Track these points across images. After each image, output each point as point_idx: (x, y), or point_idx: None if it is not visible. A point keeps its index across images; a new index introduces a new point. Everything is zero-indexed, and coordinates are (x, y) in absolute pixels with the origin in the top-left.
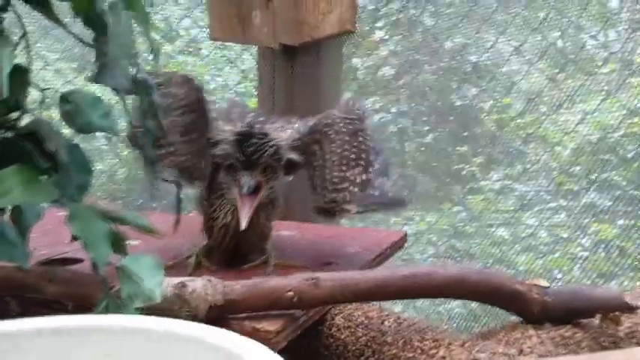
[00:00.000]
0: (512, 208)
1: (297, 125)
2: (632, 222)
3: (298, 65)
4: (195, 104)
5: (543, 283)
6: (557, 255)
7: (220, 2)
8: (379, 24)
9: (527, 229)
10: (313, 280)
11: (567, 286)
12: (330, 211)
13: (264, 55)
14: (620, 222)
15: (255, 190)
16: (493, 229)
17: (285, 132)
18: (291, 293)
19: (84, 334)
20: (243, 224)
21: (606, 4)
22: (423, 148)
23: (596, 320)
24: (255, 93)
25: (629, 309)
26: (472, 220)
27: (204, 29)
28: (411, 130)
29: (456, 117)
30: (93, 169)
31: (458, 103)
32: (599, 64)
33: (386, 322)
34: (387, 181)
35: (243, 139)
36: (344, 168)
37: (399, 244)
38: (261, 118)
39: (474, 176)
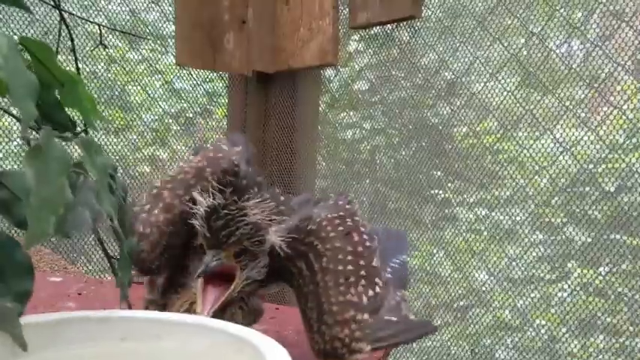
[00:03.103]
0: (486, 239)
1: (287, 219)
2: (613, 261)
3: (272, 95)
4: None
5: None
6: (534, 295)
7: (190, 24)
8: (355, 36)
9: (503, 265)
10: None
11: None
12: (336, 354)
13: (235, 82)
14: (599, 262)
15: (223, 279)
16: (467, 263)
17: (272, 219)
18: None
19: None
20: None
21: (588, 30)
22: (396, 170)
23: None
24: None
25: None
26: (446, 255)
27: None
28: (385, 149)
29: (431, 137)
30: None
31: (433, 121)
32: (578, 90)
33: None
34: (404, 292)
35: (213, 211)
36: (342, 288)
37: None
38: (243, 182)
39: (448, 202)
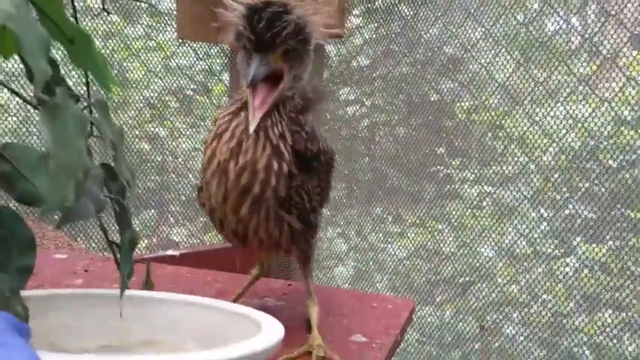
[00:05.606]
0: (490, 215)
1: None
2: (617, 237)
3: None
4: None
5: None
6: (540, 271)
7: None
8: (355, 11)
9: (508, 241)
10: None
11: None
12: None
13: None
14: (604, 237)
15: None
16: (472, 240)
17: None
18: None
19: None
20: (252, 127)
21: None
22: (397, 147)
23: None
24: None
25: None
26: (450, 231)
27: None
28: (386, 125)
29: (432, 113)
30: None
31: (434, 97)
32: (585, 65)
33: None
34: None
35: (255, 12)
36: None
37: (408, 322)
38: None
39: (450, 178)
